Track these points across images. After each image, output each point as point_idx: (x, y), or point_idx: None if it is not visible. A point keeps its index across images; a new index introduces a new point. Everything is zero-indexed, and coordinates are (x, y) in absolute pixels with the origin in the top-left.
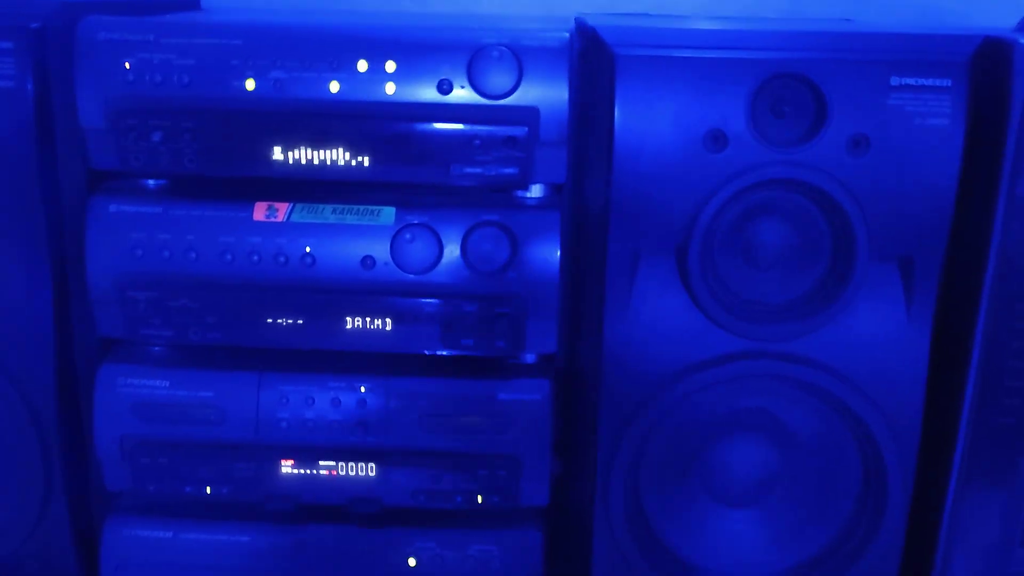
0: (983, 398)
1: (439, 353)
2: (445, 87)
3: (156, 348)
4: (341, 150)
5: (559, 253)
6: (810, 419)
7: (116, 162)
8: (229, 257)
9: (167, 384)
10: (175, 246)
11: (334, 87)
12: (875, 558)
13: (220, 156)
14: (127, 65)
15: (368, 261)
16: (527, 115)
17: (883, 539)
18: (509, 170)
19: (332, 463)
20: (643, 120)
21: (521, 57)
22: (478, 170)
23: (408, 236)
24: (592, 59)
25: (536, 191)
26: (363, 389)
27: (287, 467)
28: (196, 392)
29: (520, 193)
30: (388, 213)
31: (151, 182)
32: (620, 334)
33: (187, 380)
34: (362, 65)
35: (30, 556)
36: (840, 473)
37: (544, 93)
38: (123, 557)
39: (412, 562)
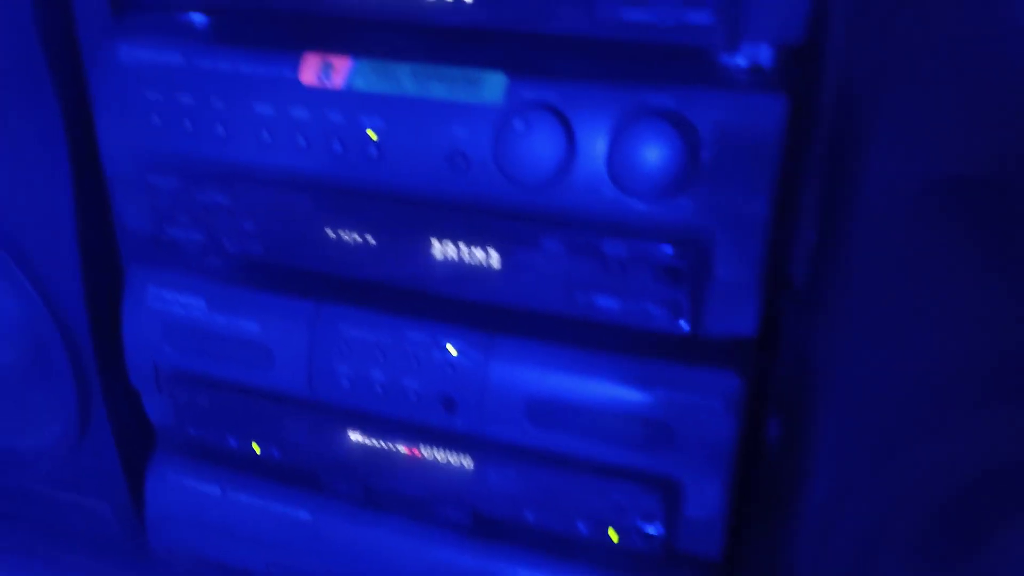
0: None
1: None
2: None
3: (194, 253)
4: None
5: (775, 173)
6: None
7: None
8: (266, 136)
9: (203, 304)
10: (198, 114)
11: None
12: None
13: None
14: None
15: (459, 158)
16: None
17: None
18: (699, 16)
19: (408, 444)
20: None
21: None
22: (645, 16)
23: (521, 123)
24: None
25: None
26: (452, 350)
27: (350, 437)
28: (236, 320)
29: (717, 57)
30: (495, 83)
31: (197, 17)
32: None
33: (227, 302)
34: None
35: (76, 478)
36: None
37: None
38: (167, 505)
39: None
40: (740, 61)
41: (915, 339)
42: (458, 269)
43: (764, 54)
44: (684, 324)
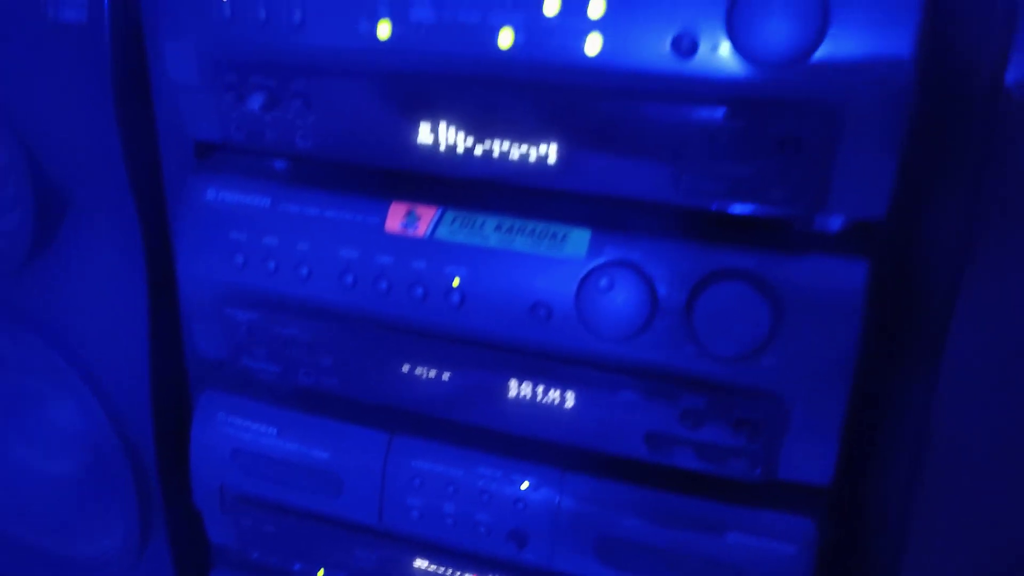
0: None
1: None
2: (685, 44)
3: (264, 385)
4: (513, 136)
5: (859, 333)
6: None
7: (216, 132)
8: (350, 279)
9: (274, 432)
10: (283, 256)
11: (505, 39)
12: None
13: (342, 134)
14: None
15: (541, 309)
16: (829, 94)
17: None
18: (785, 186)
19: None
20: None
21: None
22: (729, 184)
23: (605, 279)
24: None
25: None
26: (525, 485)
27: (419, 567)
28: (307, 448)
29: (792, 224)
30: (578, 239)
31: (278, 161)
32: (953, 465)
33: (298, 430)
34: (551, 6)
35: None
36: None
37: (866, 52)
38: None
39: None
40: (821, 226)
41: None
42: (533, 409)
43: (834, 223)
44: (759, 473)
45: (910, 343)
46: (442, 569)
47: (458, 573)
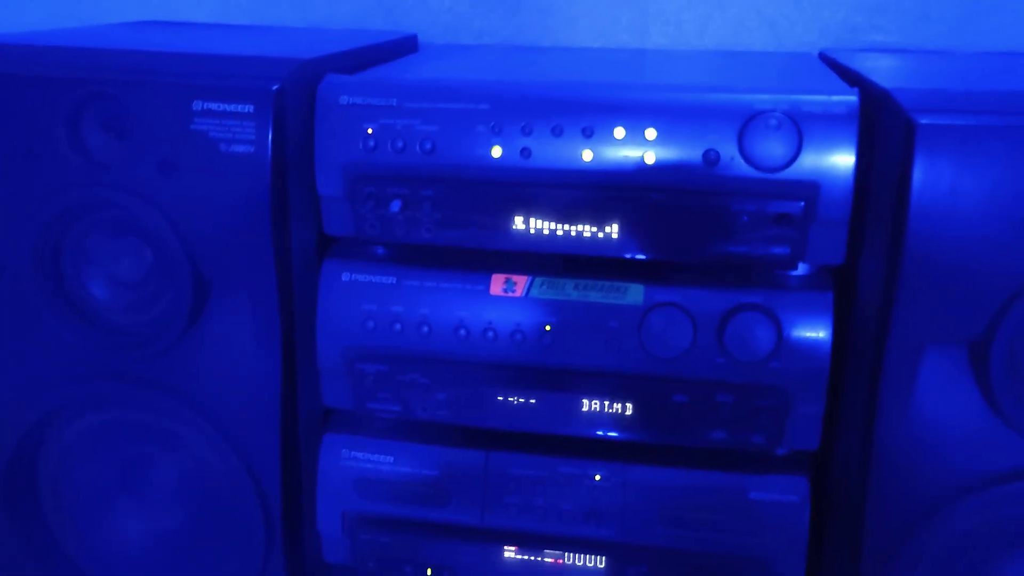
0: None
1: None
2: (712, 157)
3: (379, 421)
4: (590, 224)
5: (831, 341)
6: None
7: (351, 229)
8: (463, 332)
9: (391, 460)
10: (408, 319)
11: (587, 156)
12: None
13: (460, 226)
14: (369, 131)
15: (613, 341)
16: (805, 189)
17: None
18: (779, 250)
19: (558, 552)
20: (946, 197)
21: (801, 124)
22: (742, 249)
23: (657, 317)
24: (875, 122)
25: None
26: (598, 477)
27: (511, 553)
28: (420, 470)
29: (784, 271)
30: (636, 291)
31: (379, 248)
32: (895, 435)
33: (412, 457)
34: (619, 132)
35: None
36: None
37: (826, 165)
38: None
39: None
40: (802, 271)
41: None
42: (603, 418)
43: (810, 268)
44: (776, 446)
45: (860, 349)
46: (534, 553)
47: (547, 552)
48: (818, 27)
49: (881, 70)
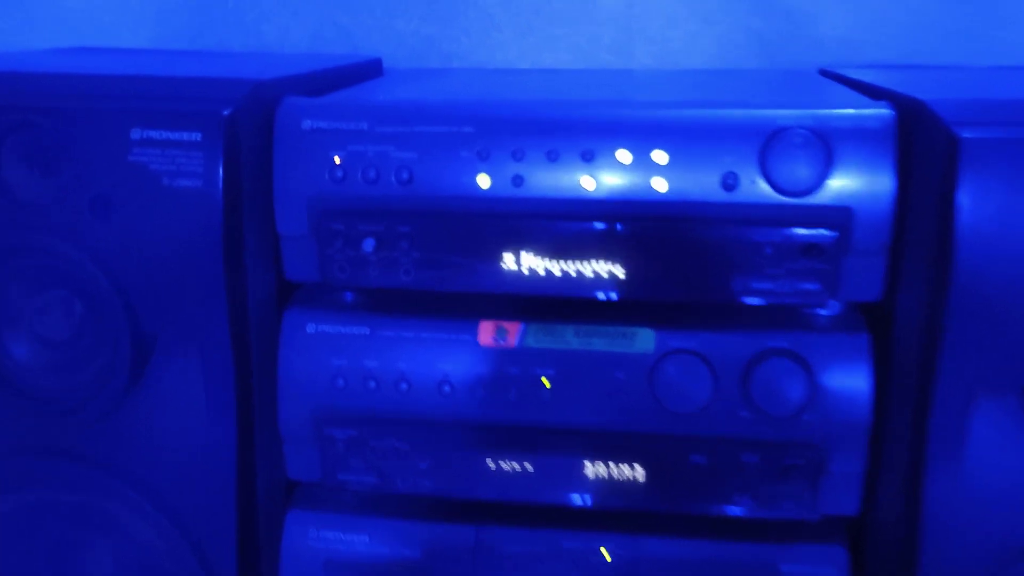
0: None
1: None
2: (730, 182)
3: (352, 495)
4: (592, 261)
5: (871, 390)
6: None
7: (316, 273)
8: (448, 389)
9: (366, 539)
10: (383, 375)
11: (588, 184)
12: None
13: (442, 267)
14: (336, 159)
15: (620, 395)
16: (836, 216)
17: None
18: (808, 285)
19: None
20: (995, 220)
21: (830, 142)
22: (767, 285)
23: (671, 367)
24: (909, 139)
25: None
26: (605, 553)
27: None
28: (400, 550)
29: (813, 310)
30: (645, 337)
31: (349, 293)
32: (946, 496)
33: (390, 535)
34: (624, 156)
35: None
36: None
37: (859, 187)
38: None
39: None
40: (831, 309)
41: None
42: (610, 485)
43: (841, 306)
44: (808, 513)
45: (902, 399)
46: None
47: None
48: (813, 43)
49: (906, 83)
